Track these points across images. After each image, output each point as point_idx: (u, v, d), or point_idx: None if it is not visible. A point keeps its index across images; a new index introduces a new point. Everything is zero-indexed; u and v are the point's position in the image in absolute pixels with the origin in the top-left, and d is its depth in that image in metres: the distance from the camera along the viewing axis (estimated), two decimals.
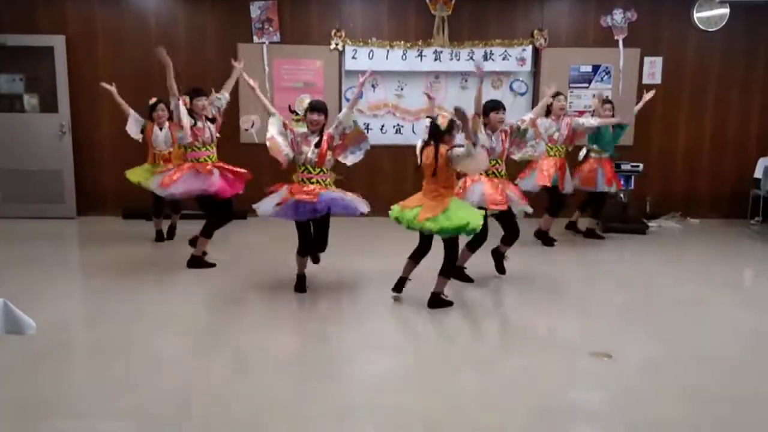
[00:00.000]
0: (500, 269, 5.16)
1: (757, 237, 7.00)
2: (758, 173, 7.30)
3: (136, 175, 6.14)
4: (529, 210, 5.09)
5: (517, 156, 5.03)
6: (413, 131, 7.56)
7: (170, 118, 5.99)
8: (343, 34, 7.37)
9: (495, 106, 4.78)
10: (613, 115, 6.39)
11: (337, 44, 7.38)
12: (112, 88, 6.20)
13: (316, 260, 4.97)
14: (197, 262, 5.35)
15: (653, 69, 7.53)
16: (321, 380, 3.33)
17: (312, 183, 4.54)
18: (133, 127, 6.16)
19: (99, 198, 7.51)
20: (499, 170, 4.87)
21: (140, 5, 7.30)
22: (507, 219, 4.95)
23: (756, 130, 7.73)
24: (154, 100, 6.10)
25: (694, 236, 7.02)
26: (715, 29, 7.49)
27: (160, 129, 6.09)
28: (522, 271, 5.38)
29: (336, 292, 4.89)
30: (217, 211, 5.30)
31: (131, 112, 6.18)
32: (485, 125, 4.72)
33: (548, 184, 6.07)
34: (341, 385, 3.32)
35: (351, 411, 3.02)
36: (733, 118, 7.73)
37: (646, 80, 7.52)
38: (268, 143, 4.60)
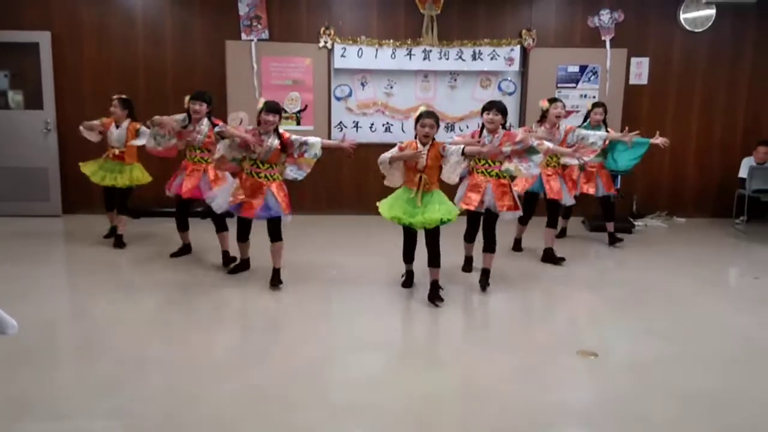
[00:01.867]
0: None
1: (742, 236, 7.07)
2: (743, 173, 7.37)
3: (87, 167, 6.03)
4: (510, 217, 4.94)
5: (508, 166, 4.78)
6: (402, 129, 7.57)
7: (133, 117, 5.95)
8: (333, 32, 7.36)
9: (487, 107, 4.79)
10: (604, 120, 6.18)
11: (326, 42, 7.36)
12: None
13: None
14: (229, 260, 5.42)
15: (640, 69, 7.58)
16: (310, 379, 3.33)
17: (260, 177, 4.71)
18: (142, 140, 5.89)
19: (85, 196, 7.43)
20: (489, 170, 4.81)
21: (127, 2, 7.23)
22: (485, 221, 4.93)
23: (741, 130, 7.80)
24: (115, 96, 5.99)
25: (680, 235, 7.07)
26: (701, 30, 7.55)
27: (116, 127, 5.95)
28: (509, 271, 5.39)
29: (324, 289, 4.89)
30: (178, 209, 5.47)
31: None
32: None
33: (521, 192, 5.54)
34: (327, 383, 3.32)
35: (337, 410, 3.02)
36: (718, 118, 7.80)
37: (633, 80, 7.57)
38: (239, 142, 4.69)
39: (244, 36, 7.29)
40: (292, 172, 4.80)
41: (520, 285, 5.07)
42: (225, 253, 5.44)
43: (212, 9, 7.29)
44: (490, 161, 4.80)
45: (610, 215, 6.41)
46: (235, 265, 5.26)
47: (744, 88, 7.73)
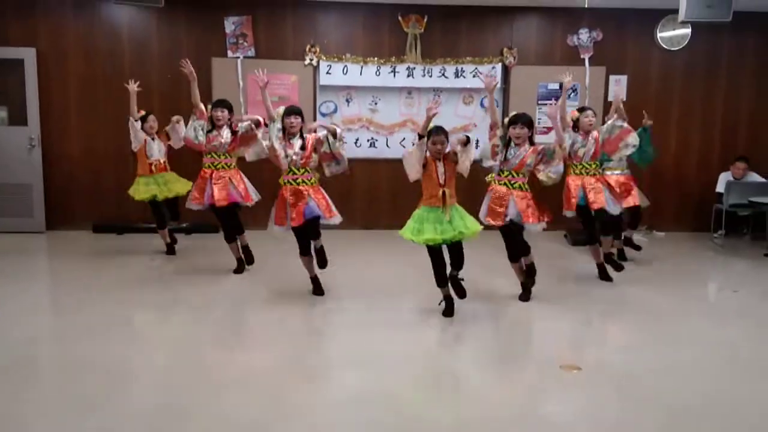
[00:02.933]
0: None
1: (720, 250, 7.21)
2: (720, 188, 7.53)
3: (140, 192, 6.07)
4: (536, 229, 4.86)
5: (541, 175, 4.84)
6: (387, 145, 7.66)
7: (157, 131, 6.17)
8: (318, 49, 7.45)
9: (513, 120, 4.86)
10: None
11: (311, 59, 7.45)
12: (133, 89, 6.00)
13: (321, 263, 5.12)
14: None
15: (619, 87, 7.74)
16: (297, 396, 3.35)
17: (298, 183, 4.80)
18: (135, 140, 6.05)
19: (69, 212, 7.43)
20: (512, 182, 4.83)
21: (113, 19, 7.27)
22: (508, 234, 4.94)
23: (718, 145, 7.98)
24: (143, 112, 6.11)
25: (660, 249, 7.19)
26: (677, 48, 7.75)
27: (153, 140, 6.10)
28: (493, 286, 5.45)
29: (310, 305, 4.91)
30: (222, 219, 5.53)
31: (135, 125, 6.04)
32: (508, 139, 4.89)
33: (572, 209, 5.57)
34: (317, 399, 3.34)
35: (327, 426, 3.04)
36: (696, 134, 7.98)
37: (611, 98, 7.70)
38: (268, 152, 4.91)
39: (230, 53, 7.36)
40: (334, 167, 4.95)
41: (501, 302, 5.12)
42: (239, 260, 5.66)
43: (198, 26, 7.35)
44: (513, 172, 4.82)
45: (635, 224, 6.52)
46: (315, 285, 5.14)
47: (720, 105, 7.93)
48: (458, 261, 4.62)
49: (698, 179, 8.01)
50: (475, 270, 5.32)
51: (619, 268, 5.64)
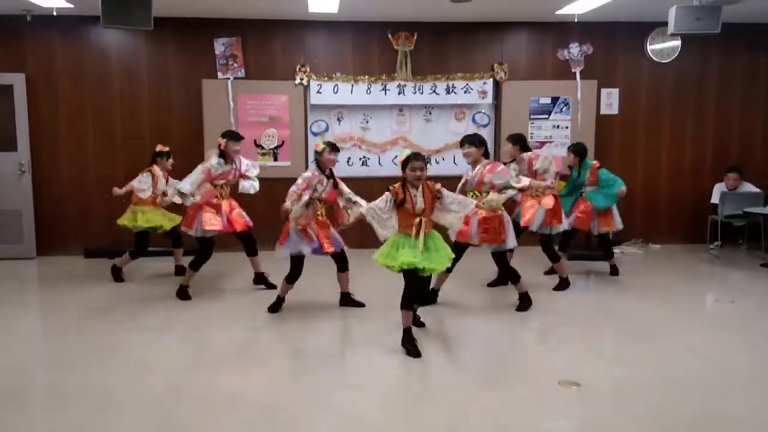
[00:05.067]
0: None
1: (716, 261, 7.18)
2: (715, 198, 7.52)
3: (153, 221, 6.03)
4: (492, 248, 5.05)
5: (490, 198, 4.95)
6: (379, 163, 7.63)
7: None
8: (308, 69, 7.44)
9: (461, 141, 5.06)
10: (579, 161, 6.21)
11: (302, 79, 7.44)
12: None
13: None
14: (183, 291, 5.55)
15: (610, 100, 7.76)
16: (294, 417, 3.28)
17: (319, 216, 4.96)
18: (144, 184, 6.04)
19: (59, 237, 7.35)
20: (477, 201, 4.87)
21: (102, 43, 7.25)
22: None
23: (711, 156, 7.98)
24: (166, 148, 6.16)
25: (656, 261, 7.16)
26: (668, 61, 7.77)
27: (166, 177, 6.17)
28: (487, 302, 5.40)
29: (305, 326, 4.85)
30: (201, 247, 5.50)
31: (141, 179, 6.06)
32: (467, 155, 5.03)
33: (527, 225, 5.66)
34: (314, 421, 3.27)
35: None
36: (688, 146, 7.98)
37: (604, 111, 7.74)
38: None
39: (220, 75, 7.35)
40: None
41: (493, 317, 5.07)
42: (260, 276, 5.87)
43: (188, 48, 7.34)
44: (476, 191, 4.95)
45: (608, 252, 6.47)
46: (275, 304, 5.21)
47: (711, 115, 7.94)
48: (422, 293, 4.64)
49: (692, 191, 7.99)
50: (470, 285, 5.29)
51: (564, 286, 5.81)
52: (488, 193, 4.93)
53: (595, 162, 6.29)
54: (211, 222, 5.32)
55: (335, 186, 5.06)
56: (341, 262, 5.15)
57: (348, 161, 7.64)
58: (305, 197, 4.82)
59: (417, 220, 4.18)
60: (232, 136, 5.47)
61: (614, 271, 6.39)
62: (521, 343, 4.60)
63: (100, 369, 3.96)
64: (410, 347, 4.20)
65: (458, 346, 4.46)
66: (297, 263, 4.98)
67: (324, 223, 5.02)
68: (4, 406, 3.41)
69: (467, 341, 4.55)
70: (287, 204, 4.77)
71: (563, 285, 5.78)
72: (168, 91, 7.37)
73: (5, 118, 7.13)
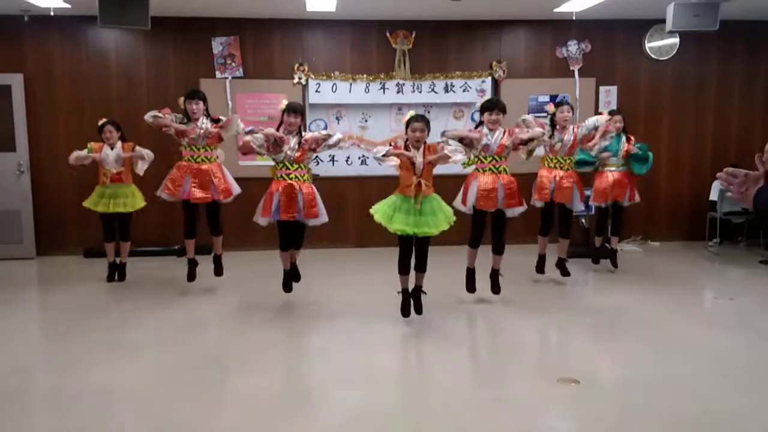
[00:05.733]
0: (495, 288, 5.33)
1: (715, 258, 7.19)
2: (713, 196, 7.52)
3: (93, 202, 5.95)
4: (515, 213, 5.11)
5: (521, 151, 5.23)
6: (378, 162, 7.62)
7: (123, 138, 6.00)
8: (306, 68, 7.44)
9: (488, 106, 5.07)
10: (624, 128, 6.27)
11: (300, 78, 7.43)
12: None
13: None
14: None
15: (609, 98, 7.76)
16: (293, 418, 3.28)
17: (291, 178, 4.81)
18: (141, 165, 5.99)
19: (59, 237, 7.35)
20: (497, 166, 4.98)
21: (100, 42, 7.25)
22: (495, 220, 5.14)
23: (710, 153, 7.98)
24: (103, 120, 6.01)
25: (655, 259, 7.16)
26: (666, 58, 7.77)
27: (111, 149, 5.97)
28: (487, 298, 5.40)
29: (303, 325, 4.85)
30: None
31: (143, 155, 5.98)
32: (481, 123, 5.08)
33: (545, 200, 5.71)
34: (313, 422, 3.27)
35: None
36: (687, 143, 7.98)
37: (602, 108, 7.72)
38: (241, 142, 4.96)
39: (218, 74, 7.34)
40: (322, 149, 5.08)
41: (493, 312, 5.07)
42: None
43: (186, 48, 7.34)
44: (496, 157, 4.97)
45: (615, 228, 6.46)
46: (293, 272, 5.21)
47: (710, 113, 7.94)
48: (422, 261, 4.62)
49: (691, 188, 7.99)
50: (462, 280, 5.29)
51: (565, 274, 5.87)
52: (507, 158, 5.00)
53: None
54: (167, 186, 5.30)
55: (311, 149, 4.93)
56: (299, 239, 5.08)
57: (347, 160, 7.63)
58: (257, 135, 4.86)
59: (416, 181, 4.32)
60: (188, 94, 5.40)
61: (613, 259, 6.41)
62: (521, 341, 4.61)
63: (100, 369, 3.96)
64: (405, 310, 4.66)
65: (458, 343, 4.46)
66: (280, 232, 4.97)
67: (290, 186, 4.82)
68: (4, 406, 3.41)
69: (467, 339, 4.55)
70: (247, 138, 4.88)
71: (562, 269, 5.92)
72: (166, 90, 7.35)
73: (3, 118, 7.12)
